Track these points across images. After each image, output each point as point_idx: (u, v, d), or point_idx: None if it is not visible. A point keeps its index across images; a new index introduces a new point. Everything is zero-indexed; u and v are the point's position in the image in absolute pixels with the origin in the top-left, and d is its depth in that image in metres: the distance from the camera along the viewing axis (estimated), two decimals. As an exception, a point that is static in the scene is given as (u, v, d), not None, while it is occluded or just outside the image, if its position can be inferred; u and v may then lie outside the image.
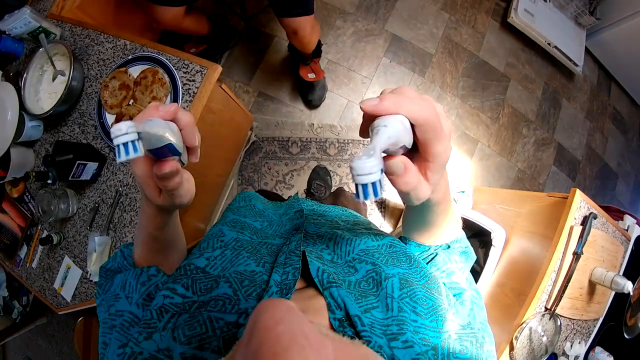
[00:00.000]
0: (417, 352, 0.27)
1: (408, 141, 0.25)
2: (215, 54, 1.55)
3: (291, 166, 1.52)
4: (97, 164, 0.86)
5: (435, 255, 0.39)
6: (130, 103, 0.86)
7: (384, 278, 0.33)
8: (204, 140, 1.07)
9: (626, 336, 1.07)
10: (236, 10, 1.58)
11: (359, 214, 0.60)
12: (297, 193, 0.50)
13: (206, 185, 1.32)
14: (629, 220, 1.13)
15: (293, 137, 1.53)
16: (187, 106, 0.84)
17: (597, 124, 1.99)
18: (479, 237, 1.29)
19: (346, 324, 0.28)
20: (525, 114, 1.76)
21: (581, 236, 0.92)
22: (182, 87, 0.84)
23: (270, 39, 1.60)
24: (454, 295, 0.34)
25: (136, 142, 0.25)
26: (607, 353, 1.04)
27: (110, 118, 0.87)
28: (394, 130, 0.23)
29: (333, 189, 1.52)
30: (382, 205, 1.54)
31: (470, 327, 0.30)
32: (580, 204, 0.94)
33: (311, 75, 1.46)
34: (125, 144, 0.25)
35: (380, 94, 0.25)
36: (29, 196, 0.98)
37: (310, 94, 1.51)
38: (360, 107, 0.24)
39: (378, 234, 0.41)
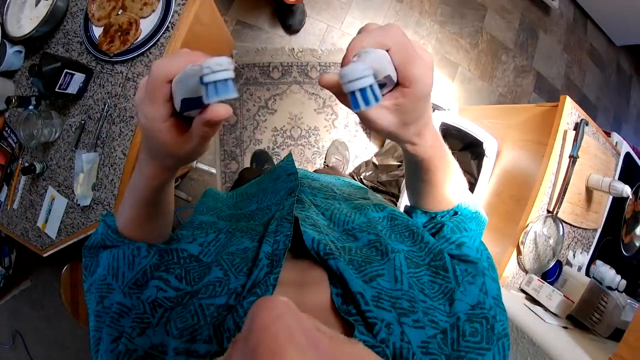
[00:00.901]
0: (427, 335, 0.26)
1: (392, 71, 0.24)
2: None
3: (273, 91, 1.51)
4: (85, 75, 0.84)
5: (443, 226, 0.37)
6: (120, 12, 0.84)
7: (390, 250, 0.31)
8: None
9: (625, 253, 1.10)
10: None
11: (353, 181, 0.59)
12: (290, 154, 0.49)
13: None
14: (616, 136, 1.15)
15: (274, 62, 1.52)
16: (180, 9, 0.82)
17: (574, 57, 2.03)
18: (470, 148, 1.29)
19: (349, 300, 0.27)
20: (504, 41, 1.78)
21: (575, 140, 0.93)
22: None
23: (247, -31, 1.59)
24: (464, 271, 0.31)
25: (231, 81, 0.21)
26: (608, 266, 1.05)
27: (97, 30, 0.85)
28: (375, 54, 0.23)
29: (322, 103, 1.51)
30: (366, 127, 1.54)
31: (481, 307, 0.28)
32: (571, 110, 0.96)
33: (290, -1, 1.45)
34: (225, 81, 0.21)
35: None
36: (9, 130, 0.94)
37: (290, 19, 1.50)
38: (322, 82, 0.26)
39: (378, 204, 0.39)
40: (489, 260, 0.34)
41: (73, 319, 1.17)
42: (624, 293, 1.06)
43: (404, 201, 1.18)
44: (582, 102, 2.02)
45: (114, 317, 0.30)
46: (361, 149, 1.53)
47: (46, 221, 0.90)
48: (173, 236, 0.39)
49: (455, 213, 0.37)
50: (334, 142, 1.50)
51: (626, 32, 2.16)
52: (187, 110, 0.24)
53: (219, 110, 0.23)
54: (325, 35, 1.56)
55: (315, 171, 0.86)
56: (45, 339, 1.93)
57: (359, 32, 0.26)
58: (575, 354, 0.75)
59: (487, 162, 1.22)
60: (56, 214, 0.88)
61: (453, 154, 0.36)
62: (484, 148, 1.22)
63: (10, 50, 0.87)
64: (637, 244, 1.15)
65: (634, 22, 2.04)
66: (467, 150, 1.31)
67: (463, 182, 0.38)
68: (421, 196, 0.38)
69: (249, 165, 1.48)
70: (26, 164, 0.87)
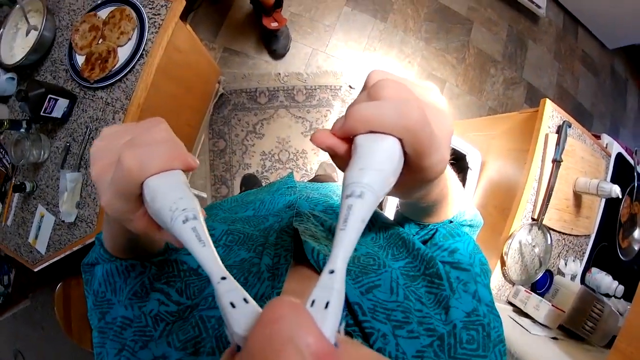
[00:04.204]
0: (422, 345, 0.26)
1: (396, 173, 0.20)
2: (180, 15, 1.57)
3: (260, 115, 1.53)
4: (69, 101, 0.89)
5: (435, 232, 0.36)
6: (100, 42, 0.90)
7: (387, 265, 0.31)
8: (174, 81, 1.09)
9: (623, 258, 1.05)
10: (198, -28, 1.61)
11: None
12: (291, 172, 0.50)
13: (176, 133, 1.32)
14: (606, 138, 1.11)
15: (260, 87, 1.54)
16: (153, 37, 0.87)
17: (566, 65, 2.01)
18: (454, 163, 1.28)
19: (346, 311, 0.27)
20: (492, 54, 1.78)
21: (558, 143, 0.91)
22: (148, 21, 0.87)
23: (232, -3, 1.63)
24: (456, 278, 0.31)
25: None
26: (604, 273, 1.01)
27: (80, 59, 0.91)
28: (372, 199, 0.18)
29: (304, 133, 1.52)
30: (354, 147, 1.55)
31: (476, 314, 0.28)
32: (552, 113, 0.93)
33: (274, 24, 1.48)
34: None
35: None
36: (3, 152, 0.99)
37: (274, 44, 1.53)
38: (318, 144, 0.21)
39: (373, 215, 0.39)
40: (482, 266, 0.33)
41: (73, 340, 1.19)
42: (622, 299, 1.02)
43: (387, 211, 1.17)
44: (577, 109, 1.99)
45: (117, 330, 0.30)
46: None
47: (36, 237, 0.95)
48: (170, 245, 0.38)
49: (451, 221, 0.36)
50: (322, 164, 1.51)
51: (618, 34, 2.13)
52: None
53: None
54: (310, 58, 1.58)
55: (312, 180, 0.86)
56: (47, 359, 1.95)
57: (368, 88, 0.21)
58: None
59: (471, 175, 1.20)
60: (45, 230, 0.94)
61: None
62: (467, 161, 1.20)
63: (4, 76, 0.93)
64: (636, 248, 1.09)
65: (625, 23, 2.02)
66: (451, 165, 1.30)
67: (462, 192, 0.37)
68: (420, 219, 0.37)
69: (239, 190, 1.50)
70: (18, 183, 0.93)
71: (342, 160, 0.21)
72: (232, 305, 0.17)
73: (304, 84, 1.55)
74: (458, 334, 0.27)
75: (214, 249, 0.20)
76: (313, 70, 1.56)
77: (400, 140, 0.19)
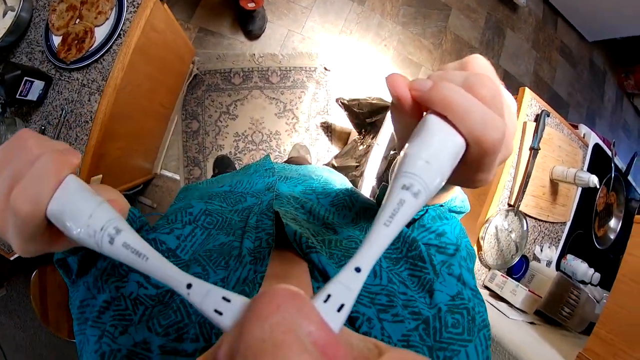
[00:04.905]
0: (407, 329, 0.26)
1: (449, 170, 0.18)
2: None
3: (234, 96, 1.52)
4: (44, 83, 0.87)
5: (425, 213, 0.35)
6: (77, 22, 0.88)
7: None
8: (150, 61, 1.07)
9: (598, 247, 1.07)
10: (173, -51, 1.58)
11: (333, 169, 0.59)
12: (267, 155, 0.49)
13: (150, 114, 1.31)
14: (584, 128, 1.12)
15: (235, 68, 1.52)
16: (132, 16, 0.86)
17: (544, 54, 2.03)
18: None
19: None
20: (469, 40, 1.79)
21: (536, 131, 0.92)
22: (126, 0, 0.85)
23: (208, -23, 1.60)
24: (441, 261, 0.31)
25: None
26: (580, 260, 1.03)
27: (57, 39, 0.89)
28: (423, 201, 0.16)
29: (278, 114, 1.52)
30: (329, 129, 1.55)
31: (460, 297, 0.28)
32: (531, 101, 0.94)
33: (251, 5, 1.46)
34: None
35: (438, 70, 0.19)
36: None
37: (250, 24, 1.51)
38: (391, 87, 0.18)
39: (353, 195, 0.39)
40: (468, 249, 0.33)
41: (50, 329, 1.18)
42: (598, 287, 1.04)
43: (364, 190, 1.18)
44: (553, 98, 2.02)
45: (95, 314, 0.29)
46: (323, 152, 1.53)
47: None
48: (147, 224, 0.36)
49: (442, 205, 0.36)
50: (295, 145, 1.50)
51: (599, 27, 2.16)
52: None
53: None
54: (285, 40, 1.57)
55: (286, 162, 0.86)
56: (24, 348, 1.93)
57: (467, 71, 0.19)
58: (538, 349, 0.73)
59: None
60: None
61: None
62: None
63: None
64: (612, 237, 1.13)
65: (606, 17, 2.05)
66: None
67: (456, 188, 0.36)
68: None
69: (212, 171, 1.49)
70: None
71: (401, 116, 0.20)
72: (218, 312, 0.15)
73: (279, 65, 1.54)
74: (443, 317, 0.26)
75: (161, 256, 0.18)
76: (288, 52, 1.55)
77: (467, 146, 0.18)
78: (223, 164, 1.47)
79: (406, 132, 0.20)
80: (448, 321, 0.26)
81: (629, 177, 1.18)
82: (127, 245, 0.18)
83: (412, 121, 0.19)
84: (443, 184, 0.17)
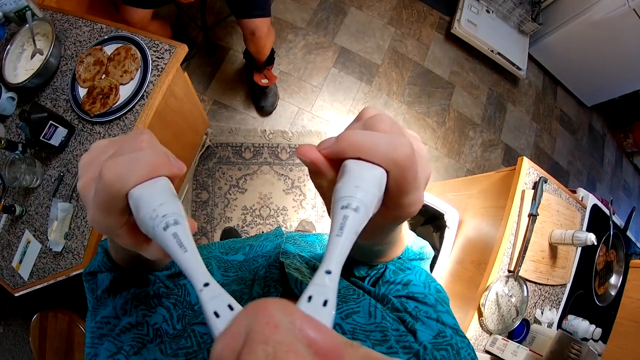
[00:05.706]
0: None
1: (377, 201, 0.19)
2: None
3: (244, 170, 1.58)
4: (67, 131, 0.90)
5: (385, 270, 0.36)
6: (103, 77, 0.91)
7: (364, 294, 0.33)
8: (166, 127, 1.12)
9: (599, 304, 1.08)
10: (197, 22, 1.69)
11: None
12: (279, 226, 0.54)
13: None
14: (582, 191, 1.15)
15: (246, 142, 1.59)
16: (155, 80, 0.89)
17: (544, 125, 2.10)
18: (432, 222, 1.31)
19: None
20: (471, 117, 1.86)
21: (534, 198, 0.94)
22: (151, 63, 0.89)
23: (225, 52, 1.70)
24: (415, 307, 0.32)
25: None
26: (580, 318, 1.03)
27: (82, 91, 0.92)
28: (365, 215, 0.18)
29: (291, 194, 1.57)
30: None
31: (442, 335, 0.29)
32: (529, 170, 0.98)
33: (264, 81, 1.55)
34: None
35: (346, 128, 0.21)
36: None
37: (262, 101, 1.59)
38: (302, 157, 0.20)
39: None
40: (439, 294, 0.34)
41: None
42: (600, 342, 1.03)
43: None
44: (553, 169, 2.07)
45: (117, 333, 0.31)
46: (328, 229, 1.57)
47: (20, 262, 0.94)
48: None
49: (400, 257, 0.36)
50: (302, 221, 1.55)
51: (596, 91, 2.23)
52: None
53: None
54: (296, 117, 1.64)
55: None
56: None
57: (363, 119, 0.21)
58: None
59: (448, 233, 1.22)
60: (30, 257, 0.92)
61: (415, 229, 0.36)
62: (444, 220, 1.24)
63: (5, 95, 0.93)
64: (613, 294, 1.12)
65: (602, 80, 2.11)
66: (429, 224, 1.34)
67: (409, 234, 0.37)
68: (370, 261, 0.37)
69: (218, 243, 1.53)
70: (7, 204, 0.92)
71: (321, 178, 0.21)
72: (216, 314, 0.16)
73: (289, 142, 1.61)
74: (430, 353, 0.27)
75: (198, 255, 0.19)
76: (298, 129, 1.63)
77: (387, 173, 0.19)
78: (230, 236, 1.52)
79: (330, 190, 0.21)
80: (437, 356, 0.27)
81: (628, 233, 1.19)
82: (176, 235, 0.19)
83: (332, 178, 0.21)
84: (377, 202, 0.19)
